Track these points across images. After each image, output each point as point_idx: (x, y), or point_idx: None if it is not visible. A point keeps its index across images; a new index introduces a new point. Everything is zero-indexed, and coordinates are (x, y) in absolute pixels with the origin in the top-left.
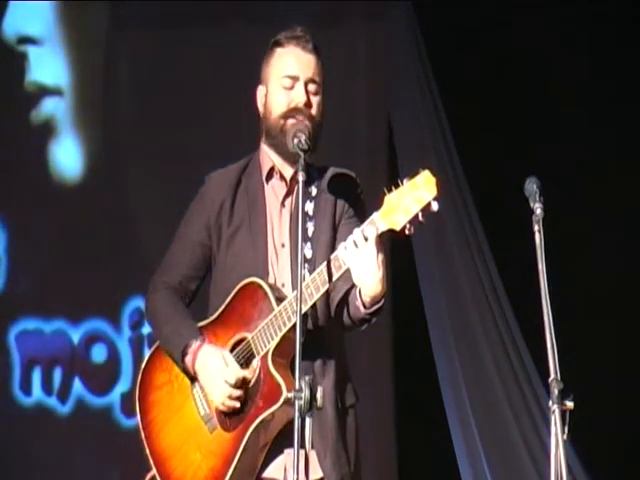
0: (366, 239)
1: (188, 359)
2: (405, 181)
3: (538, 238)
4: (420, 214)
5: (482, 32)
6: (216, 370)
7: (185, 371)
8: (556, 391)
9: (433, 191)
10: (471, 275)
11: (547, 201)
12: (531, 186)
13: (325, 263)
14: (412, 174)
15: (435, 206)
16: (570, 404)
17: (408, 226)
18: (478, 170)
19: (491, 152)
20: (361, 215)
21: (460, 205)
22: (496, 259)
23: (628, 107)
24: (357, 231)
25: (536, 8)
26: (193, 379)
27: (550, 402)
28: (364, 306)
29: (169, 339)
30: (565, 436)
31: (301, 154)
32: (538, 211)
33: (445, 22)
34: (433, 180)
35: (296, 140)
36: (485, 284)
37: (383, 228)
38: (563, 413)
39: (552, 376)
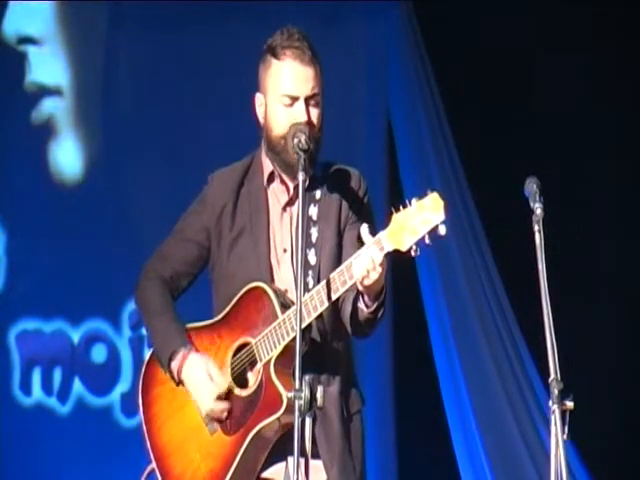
0: (374, 262)
1: (174, 364)
2: (413, 201)
3: (538, 238)
4: (427, 236)
5: (482, 32)
6: (200, 383)
7: (170, 375)
8: (556, 391)
9: (441, 214)
10: (471, 275)
11: (547, 201)
12: (531, 186)
13: (330, 277)
14: (421, 195)
15: (443, 230)
16: (570, 404)
17: (414, 247)
18: (478, 169)
19: (491, 152)
20: (365, 216)
21: (460, 205)
22: (496, 259)
23: (629, 107)
24: (365, 252)
25: (536, 8)
26: None
27: (550, 402)
28: (367, 306)
29: (156, 336)
30: (565, 436)
31: (301, 154)
32: (538, 211)
33: (445, 22)
34: (441, 203)
35: (296, 140)
36: (485, 284)
37: (389, 248)
38: (563, 413)
39: (552, 376)
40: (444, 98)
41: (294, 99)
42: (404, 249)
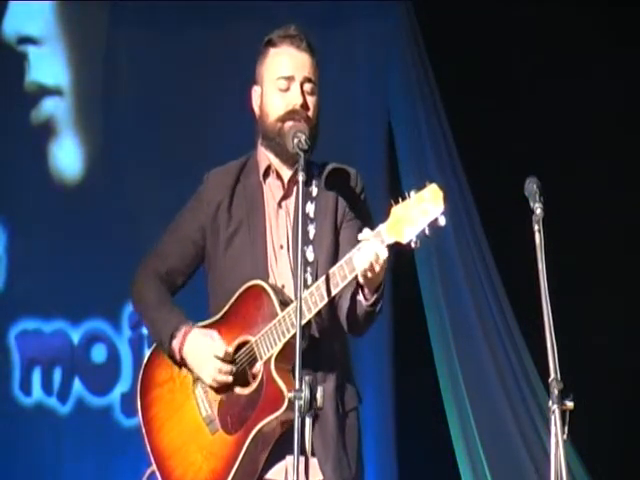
0: (378, 256)
1: (175, 342)
2: (412, 193)
3: (538, 238)
4: (427, 228)
5: (482, 32)
6: (204, 347)
7: (170, 356)
8: (556, 391)
9: (440, 205)
10: (471, 275)
11: (547, 201)
12: (531, 186)
13: (329, 272)
14: (419, 187)
15: (442, 221)
16: (570, 404)
17: (414, 239)
18: (478, 169)
19: (491, 151)
20: (362, 213)
21: (460, 205)
22: (496, 259)
23: (629, 107)
24: (365, 244)
25: (536, 8)
26: (195, 379)
27: (550, 402)
28: (366, 298)
29: (156, 323)
30: (565, 436)
31: (301, 154)
32: (538, 211)
33: (445, 22)
34: (440, 194)
35: (296, 140)
36: (485, 284)
37: (389, 241)
38: (563, 413)
39: (552, 376)
40: (444, 98)
41: (290, 80)
42: (404, 241)
